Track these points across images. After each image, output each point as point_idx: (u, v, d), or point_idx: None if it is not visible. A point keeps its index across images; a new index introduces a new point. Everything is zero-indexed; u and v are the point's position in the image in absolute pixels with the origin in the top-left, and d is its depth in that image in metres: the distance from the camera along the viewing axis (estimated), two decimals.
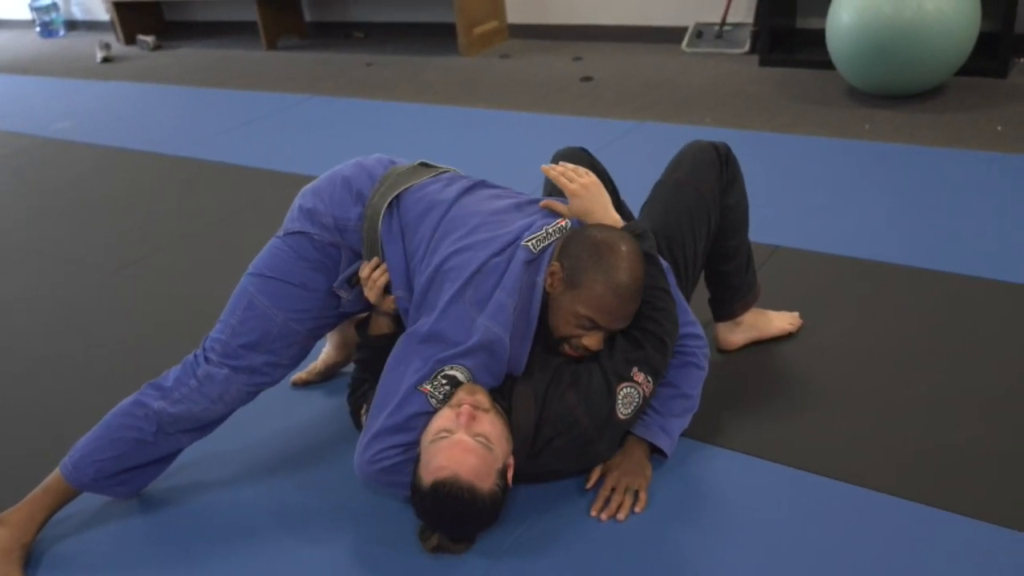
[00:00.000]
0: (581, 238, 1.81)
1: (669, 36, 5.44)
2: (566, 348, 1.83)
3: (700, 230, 2.09)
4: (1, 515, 1.88)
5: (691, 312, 1.95)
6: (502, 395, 1.77)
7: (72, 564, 1.87)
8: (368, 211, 1.91)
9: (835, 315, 2.42)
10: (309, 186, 2.01)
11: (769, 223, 2.87)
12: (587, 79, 4.94)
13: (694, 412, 1.93)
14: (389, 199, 1.91)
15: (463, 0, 5.66)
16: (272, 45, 6.62)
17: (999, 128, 3.59)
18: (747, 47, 5.08)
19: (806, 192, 3.20)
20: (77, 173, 4.39)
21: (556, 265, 1.79)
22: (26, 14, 8.41)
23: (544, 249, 1.82)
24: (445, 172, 2.04)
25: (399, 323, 1.96)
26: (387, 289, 1.92)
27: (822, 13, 4.17)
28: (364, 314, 2.04)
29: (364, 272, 1.91)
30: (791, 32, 4.98)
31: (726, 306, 2.27)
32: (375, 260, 1.91)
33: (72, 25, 8.44)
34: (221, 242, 3.36)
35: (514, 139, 4.14)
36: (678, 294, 1.92)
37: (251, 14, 6.64)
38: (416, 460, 1.68)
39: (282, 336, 1.92)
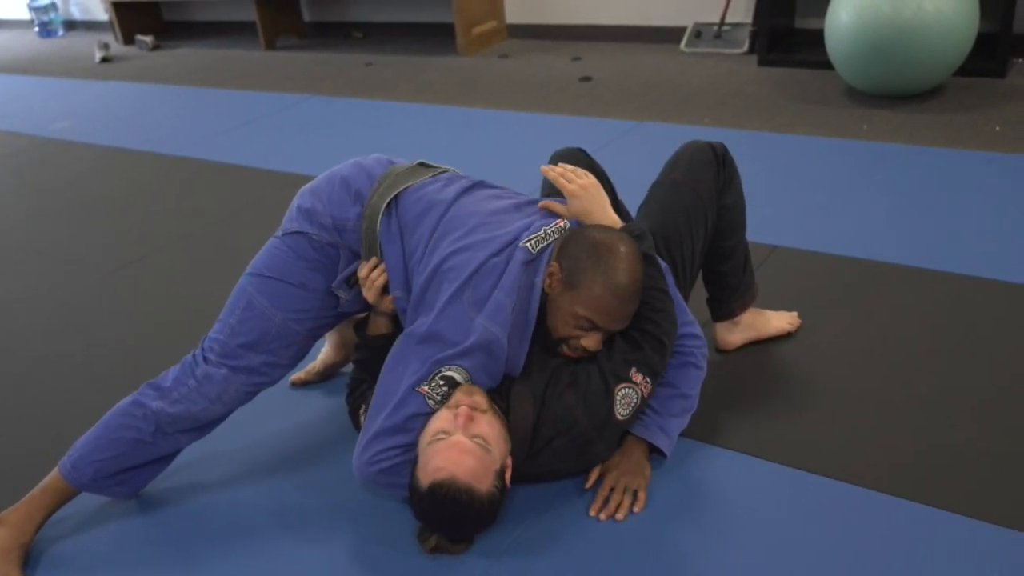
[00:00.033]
0: (580, 239, 1.81)
1: (668, 36, 5.44)
2: (564, 349, 1.83)
3: (697, 230, 2.09)
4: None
5: (689, 312, 1.95)
6: (500, 395, 1.77)
7: (71, 564, 1.87)
8: (367, 211, 1.91)
9: (833, 315, 2.42)
10: (308, 186, 2.01)
11: (768, 223, 2.88)
12: (586, 79, 4.94)
13: (693, 412, 1.93)
14: (388, 199, 1.91)
15: (462, 0, 5.66)
16: (271, 45, 6.62)
17: (997, 128, 3.59)
18: (746, 47, 5.08)
19: (805, 192, 3.20)
20: (76, 173, 4.39)
21: (555, 266, 1.79)
22: (25, 14, 8.41)
23: (543, 250, 1.82)
24: (444, 172, 2.04)
25: (397, 323, 1.96)
26: (385, 289, 1.92)
27: (821, 13, 4.18)
28: (363, 314, 2.04)
29: (362, 272, 1.91)
30: (790, 32, 4.98)
31: (724, 306, 2.27)
32: (373, 260, 1.91)
33: (71, 25, 8.44)
34: (220, 242, 3.36)
35: (513, 139, 4.14)
36: (676, 295, 1.92)
37: (250, 14, 6.64)
38: (414, 462, 1.68)
39: (281, 336, 1.92)
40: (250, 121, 4.89)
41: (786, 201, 3.13)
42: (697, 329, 1.94)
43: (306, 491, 2.00)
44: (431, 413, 1.71)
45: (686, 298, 2.08)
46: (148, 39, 7.12)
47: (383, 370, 1.79)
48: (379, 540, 1.82)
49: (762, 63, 4.80)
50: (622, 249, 1.77)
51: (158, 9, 7.69)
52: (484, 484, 1.63)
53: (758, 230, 2.64)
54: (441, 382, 1.71)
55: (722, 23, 5.19)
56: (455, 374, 1.72)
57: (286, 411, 2.27)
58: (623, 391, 1.76)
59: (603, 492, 1.84)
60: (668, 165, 2.18)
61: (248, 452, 2.14)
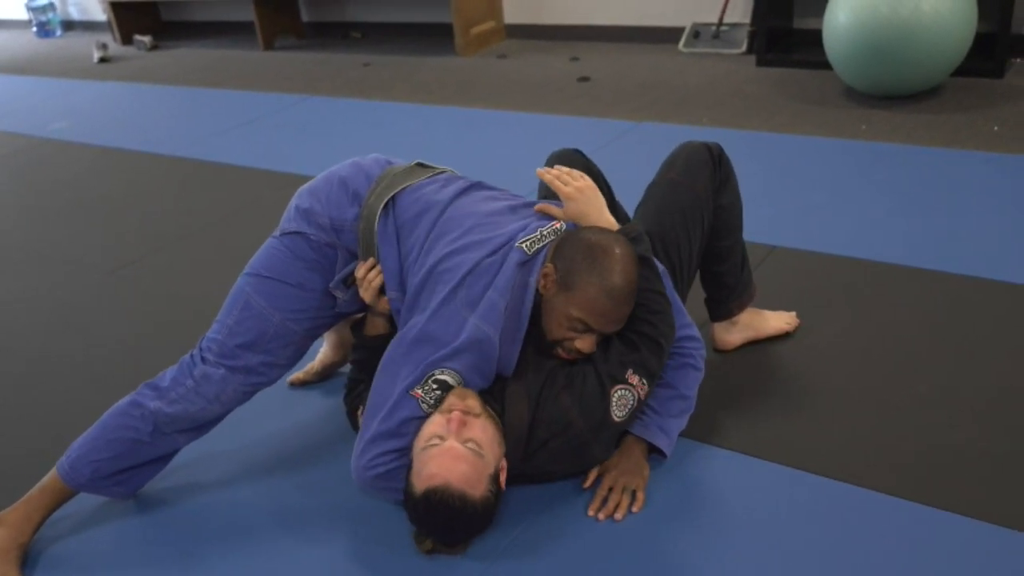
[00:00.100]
0: (575, 240, 1.81)
1: (666, 36, 5.44)
2: (559, 351, 1.82)
3: (694, 231, 2.09)
4: None
5: (687, 315, 1.95)
6: (494, 397, 1.77)
7: (69, 564, 1.87)
8: (364, 211, 1.91)
9: (832, 315, 2.42)
10: (306, 186, 2.01)
11: (766, 223, 2.88)
12: (584, 79, 4.94)
13: (691, 413, 1.94)
14: (385, 200, 1.91)
15: (460, 0, 5.66)
16: (269, 45, 6.62)
17: (996, 128, 3.59)
18: (744, 47, 5.08)
19: (803, 192, 3.20)
20: (74, 173, 4.38)
21: (550, 267, 1.79)
22: (23, 14, 8.40)
23: (538, 251, 1.81)
24: (442, 173, 2.04)
25: (395, 324, 1.96)
26: (382, 290, 1.92)
27: (819, 13, 4.18)
28: (360, 314, 2.04)
29: (360, 272, 1.91)
30: (788, 32, 4.98)
31: (722, 306, 2.27)
32: (371, 261, 1.91)
33: (69, 25, 8.43)
34: (218, 242, 3.36)
35: (511, 139, 4.14)
36: (675, 297, 1.92)
37: (248, 14, 6.63)
38: (408, 467, 1.68)
39: (279, 336, 1.92)
40: (248, 121, 4.89)
41: (784, 201, 3.13)
42: (695, 331, 1.94)
43: (304, 491, 1.99)
44: (425, 417, 1.71)
45: (684, 298, 2.08)
46: (146, 39, 7.11)
47: (377, 372, 1.80)
48: (377, 540, 1.82)
49: (760, 63, 4.80)
50: (617, 251, 1.77)
51: (156, 9, 7.68)
52: (478, 489, 1.63)
53: (756, 230, 2.64)
54: (434, 385, 1.71)
55: (720, 23, 5.19)
56: (448, 377, 1.72)
57: (284, 411, 2.27)
58: (619, 393, 1.76)
59: (602, 492, 1.84)
60: (664, 165, 2.18)
61: (246, 452, 2.14)
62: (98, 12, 7.90)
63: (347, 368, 2.20)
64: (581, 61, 5.33)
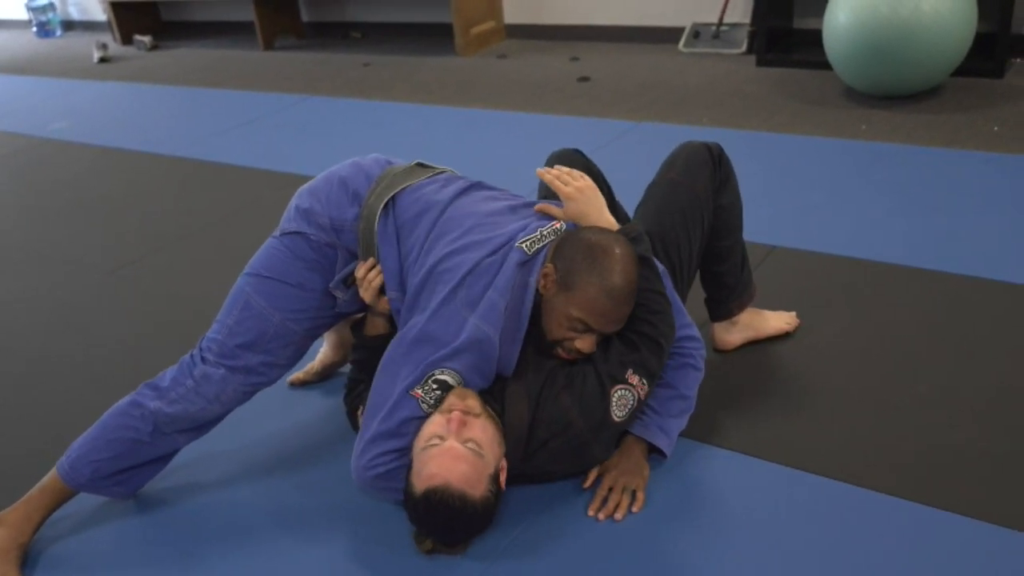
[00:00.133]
0: (575, 240, 1.81)
1: (666, 36, 5.44)
2: (559, 351, 1.82)
3: (694, 231, 2.09)
4: None
5: (688, 315, 1.95)
6: (494, 397, 1.77)
7: (69, 564, 1.87)
8: (364, 211, 1.91)
9: (832, 315, 2.42)
10: (306, 186, 2.01)
11: (766, 223, 2.88)
12: (584, 79, 4.94)
13: (691, 413, 1.94)
14: (385, 200, 1.91)
15: (460, 0, 5.66)
16: (269, 45, 6.62)
17: (996, 128, 3.59)
18: (744, 47, 5.08)
19: (803, 192, 3.20)
20: (74, 173, 4.38)
21: (550, 267, 1.79)
22: (23, 14, 8.40)
23: (538, 251, 1.81)
24: (442, 173, 2.04)
25: (395, 324, 1.96)
26: (382, 290, 1.92)
27: (819, 13, 4.18)
28: (360, 314, 2.04)
29: (360, 272, 1.91)
30: (788, 32, 4.98)
31: (722, 306, 2.27)
32: (371, 261, 1.91)
33: (69, 25, 8.43)
34: (218, 242, 3.36)
35: (511, 139, 4.14)
36: (675, 297, 1.92)
37: (248, 14, 6.63)
38: (409, 467, 1.68)
39: (279, 336, 1.92)
40: (248, 121, 4.89)
41: (784, 201, 3.13)
42: (695, 332, 1.94)
43: (304, 491, 2.00)
44: (425, 417, 1.71)
45: (684, 298, 2.08)
46: (146, 39, 7.11)
47: (377, 372, 1.80)
48: (377, 540, 1.82)
49: (760, 63, 4.80)
50: (617, 251, 1.77)
51: (156, 9, 7.68)
52: (478, 489, 1.63)
53: (756, 230, 2.64)
54: (434, 385, 1.71)
55: (720, 23, 5.19)
56: (447, 377, 1.72)
57: (284, 411, 2.27)
58: (619, 393, 1.76)
59: (602, 492, 1.84)
60: (664, 165, 2.18)
61: (246, 452, 2.14)
62: (98, 12, 7.90)
63: (347, 368, 2.20)
64: (581, 61, 5.33)
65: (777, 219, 2.97)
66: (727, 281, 2.24)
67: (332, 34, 6.80)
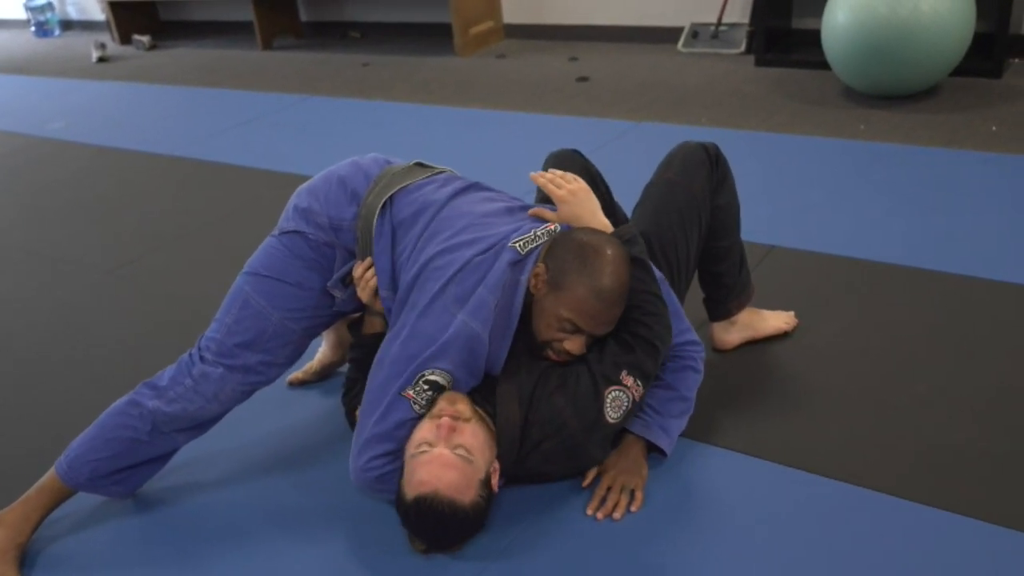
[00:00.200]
0: (567, 241, 1.80)
1: (665, 36, 5.44)
2: (549, 353, 1.81)
3: (691, 231, 2.09)
4: None
5: (687, 320, 1.95)
6: (485, 397, 1.77)
7: (67, 564, 1.87)
8: (362, 211, 1.91)
9: (830, 314, 2.42)
10: (304, 185, 2.01)
11: (765, 223, 2.88)
12: (583, 79, 4.94)
13: (690, 414, 1.94)
14: (384, 199, 1.91)
15: (459, 0, 5.66)
16: (268, 45, 6.61)
17: (994, 128, 3.60)
18: (743, 47, 5.08)
19: (802, 192, 3.20)
20: (72, 173, 4.38)
21: (541, 267, 1.78)
22: (21, 14, 8.39)
23: (531, 251, 1.81)
24: (441, 172, 2.03)
25: None
26: None
27: (818, 13, 4.18)
28: (358, 314, 2.04)
29: (357, 272, 1.92)
30: (787, 32, 4.98)
31: (721, 306, 2.27)
32: (368, 260, 1.91)
33: (67, 25, 8.43)
34: (217, 242, 3.36)
35: (510, 139, 4.14)
36: (674, 301, 1.92)
37: (247, 14, 6.63)
38: (400, 471, 1.69)
39: (277, 335, 1.92)
40: (247, 121, 4.88)
41: (783, 201, 3.13)
42: (695, 335, 1.95)
43: (303, 490, 1.99)
44: (417, 418, 1.72)
45: (682, 298, 2.09)
46: (145, 39, 7.11)
47: (371, 372, 1.80)
48: (376, 540, 1.81)
49: (759, 63, 4.80)
50: (609, 252, 1.76)
51: (155, 9, 7.68)
52: (467, 495, 1.64)
53: (755, 230, 2.64)
54: (425, 386, 1.72)
55: (719, 23, 5.19)
56: (438, 377, 1.72)
57: (283, 411, 2.27)
58: (613, 394, 1.76)
59: (600, 491, 1.84)
60: (661, 166, 2.18)
61: (245, 451, 2.14)
62: (96, 12, 7.90)
63: (346, 368, 2.19)
64: (580, 61, 5.33)
65: (776, 219, 2.97)
66: (725, 281, 2.24)
67: (331, 34, 6.80)
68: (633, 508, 1.81)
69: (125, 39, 7.32)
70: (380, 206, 1.90)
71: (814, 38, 4.28)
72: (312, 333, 2.01)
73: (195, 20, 7.63)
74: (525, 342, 1.81)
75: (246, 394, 1.96)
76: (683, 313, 1.96)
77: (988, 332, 2.28)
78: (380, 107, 4.88)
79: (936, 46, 3.73)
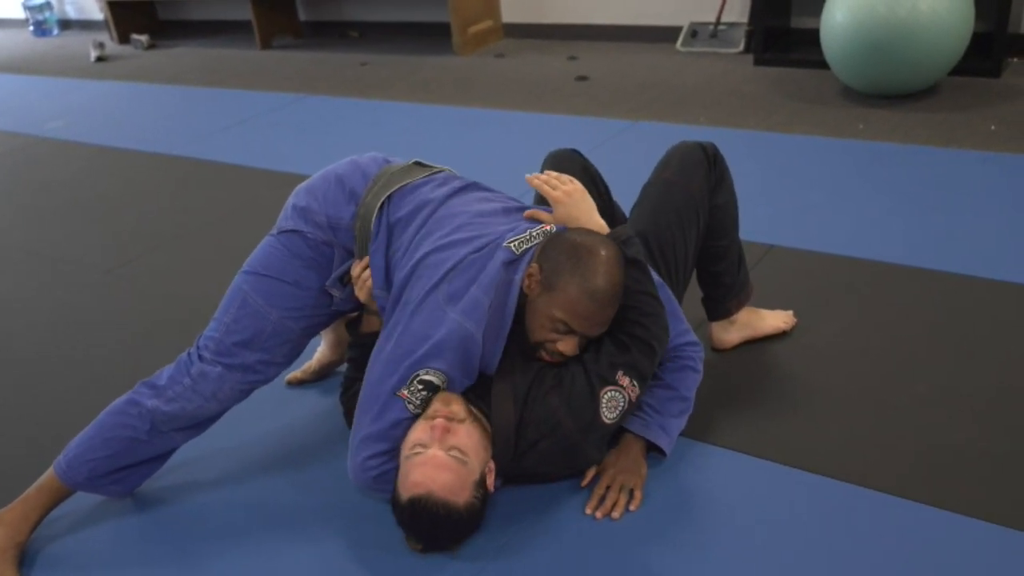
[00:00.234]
0: (561, 241, 1.80)
1: (664, 35, 5.44)
2: (542, 354, 1.81)
3: (689, 230, 2.08)
4: None
5: (685, 321, 1.95)
6: (480, 397, 1.77)
7: (66, 563, 1.87)
8: (361, 210, 1.91)
9: (829, 314, 2.42)
10: (303, 184, 2.01)
11: (764, 222, 2.88)
12: (582, 78, 4.94)
13: (690, 414, 1.94)
14: (382, 199, 1.91)
15: None
16: (266, 44, 6.61)
17: (993, 127, 3.60)
18: (742, 46, 5.08)
19: (801, 191, 3.20)
20: (71, 172, 4.38)
21: (535, 267, 1.77)
22: (19, 13, 8.39)
23: (526, 251, 1.81)
24: (439, 172, 2.03)
25: None
26: None
27: (816, 13, 4.18)
28: (356, 313, 2.04)
29: (355, 271, 1.92)
30: (786, 31, 4.98)
31: (720, 305, 2.27)
32: (366, 259, 1.91)
33: (66, 24, 8.42)
34: (215, 241, 3.36)
35: (509, 138, 4.14)
36: (672, 302, 1.92)
37: (245, 13, 6.63)
38: (396, 472, 1.70)
39: (276, 334, 1.92)
40: (245, 120, 4.88)
41: (782, 200, 3.13)
42: (693, 336, 1.94)
43: (301, 490, 1.99)
44: (412, 417, 1.72)
45: (680, 298, 2.09)
46: (143, 38, 7.11)
47: (366, 372, 1.80)
48: (374, 539, 1.81)
49: (758, 62, 4.80)
50: (602, 252, 1.76)
51: (153, 8, 7.67)
52: (462, 497, 1.64)
53: (754, 229, 2.64)
54: (419, 386, 1.72)
55: (718, 22, 5.20)
56: (432, 377, 1.72)
57: (282, 410, 2.27)
58: (609, 394, 1.75)
59: (599, 490, 1.84)
60: (659, 165, 2.18)
61: (243, 451, 2.14)
62: (95, 11, 7.89)
63: (344, 367, 2.19)
64: (579, 60, 5.33)
65: (775, 218, 2.97)
66: (724, 280, 2.24)
67: (329, 33, 6.80)
68: (632, 507, 1.81)
69: (124, 38, 7.32)
70: (378, 206, 1.90)
71: (813, 37, 4.28)
72: (311, 332, 2.01)
73: (194, 19, 7.62)
74: (519, 342, 1.81)
75: (245, 393, 1.96)
76: (681, 314, 1.95)
77: (988, 331, 2.28)
78: (379, 106, 4.88)
79: (935, 45, 3.73)
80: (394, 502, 1.68)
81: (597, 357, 1.79)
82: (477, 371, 1.78)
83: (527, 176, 1.97)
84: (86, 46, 7.11)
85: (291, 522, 1.90)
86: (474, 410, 1.75)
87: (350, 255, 1.94)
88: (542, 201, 2.07)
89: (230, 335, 1.90)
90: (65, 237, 3.57)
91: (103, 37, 7.46)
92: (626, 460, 1.87)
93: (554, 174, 1.96)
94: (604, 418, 1.75)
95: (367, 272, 1.90)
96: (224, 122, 4.89)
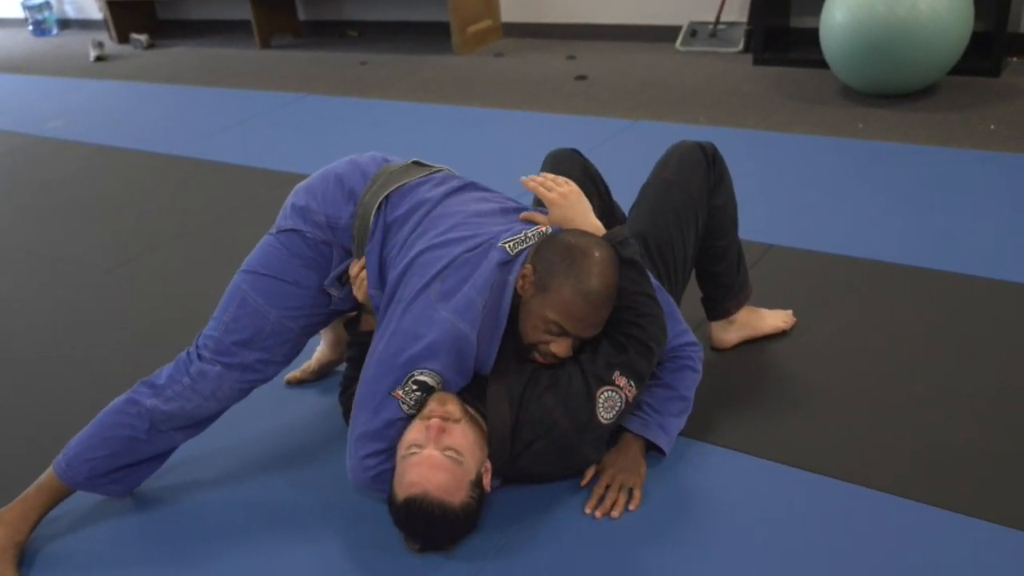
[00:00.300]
0: (555, 242, 1.79)
1: (663, 35, 5.44)
2: (535, 355, 1.80)
3: (688, 231, 2.08)
4: None
5: (683, 322, 1.95)
6: (477, 397, 1.77)
7: (66, 563, 1.87)
8: (359, 209, 1.91)
9: (829, 313, 2.42)
10: (302, 184, 2.01)
11: (763, 222, 2.88)
12: (581, 78, 4.94)
13: (689, 413, 1.94)
14: (380, 198, 1.91)
15: None
16: (266, 44, 6.61)
17: (992, 127, 3.60)
18: (741, 46, 5.08)
19: (800, 191, 3.20)
20: (70, 172, 4.38)
21: (528, 267, 1.77)
22: (19, 12, 8.39)
23: (520, 252, 1.80)
24: (438, 171, 2.03)
25: None
26: None
27: (816, 12, 4.18)
28: (355, 312, 2.04)
29: (353, 270, 1.92)
30: (785, 31, 4.99)
31: (719, 305, 2.27)
32: (364, 259, 1.91)
33: (65, 24, 8.42)
34: (215, 241, 3.36)
35: (508, 138, 4.14)
36: (670, 303, 1.92)
37: (245, 13, 6.63)
38: (392, 471, 1.70)
39: (275, 333, 1.92)
40: (245, 120, 4.88)
41: (781, 200, 3.13)
42: (692, 337, 1.94)
43: (300, 489, 1.99)
44: (406, 418, 1.72)
45: (679, 298, 2.09)
46: (143, 38, 7.11)
47: (363, 370, 1.81)
48: (372, 539, 1.81)
49: (757, 62, 4.80)
50: (596, 254, 1.75)
51: (153, 8, 7.67)
52: (457, 497, 1.64)
53: (753, 228, 2.65)
54: (414, 386, 1.72)
55: (717, 22, 5.20)
56: (427, 378, 1.72)
57: (281, 410, 2.27)
58: (606, 394, 1.75)
59: (599, 490, 1.84)
60: (658, 165, 2.18)
61: (243, 450, 2.14)
62: (94, 10, 7.89)
63: (344, 366, 2.19)
64: (578, 60, 5.33)
65: (774, 218, 2.97)
66: (723, 280, 2.24)
67: (329, 33, 6.80)
68: (631, 507, 1.81)
69: (123, 38, 7.32)
70: (376, 205, 1.90)
71: (812, 37, 4.28)
72: (310, 331, 2.01)
73: (193, 19, 7.63)
74: (514, 343, 1.81)
75: (244, 392, 1.96)
76: (680, 315, 1.95)
77: (987, 331, 2.28)
78: (378, 106, 4.88)
79: (934, 45, 3.73)
80: (390, 502, 1.68)
81: (594, 357, 1.79)
82: (472, 372, 1.78)
83: (522, 179, 1.97)
84: (85, 46, 7.11)
85: (290, 522, 1.90)
86: (470, 410, 1.75)
87: (348, 254, 1.94)
88: (541, 203, 2.07)
89: (229, 334, 1.90)
90: (65, 237, 3.57)
91: (102, 37, 7.46)
92: (625, 459, 1.87)
93: (549, 176, 1.96)
94: (601, 418, 1.75)
95: (365, 272, 1.90)
96: (223, 122, 4.89)
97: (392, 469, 1.71)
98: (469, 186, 2.00)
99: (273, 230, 1.98)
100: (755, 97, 4.29)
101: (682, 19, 5.36)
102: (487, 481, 1.72)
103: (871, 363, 2.20)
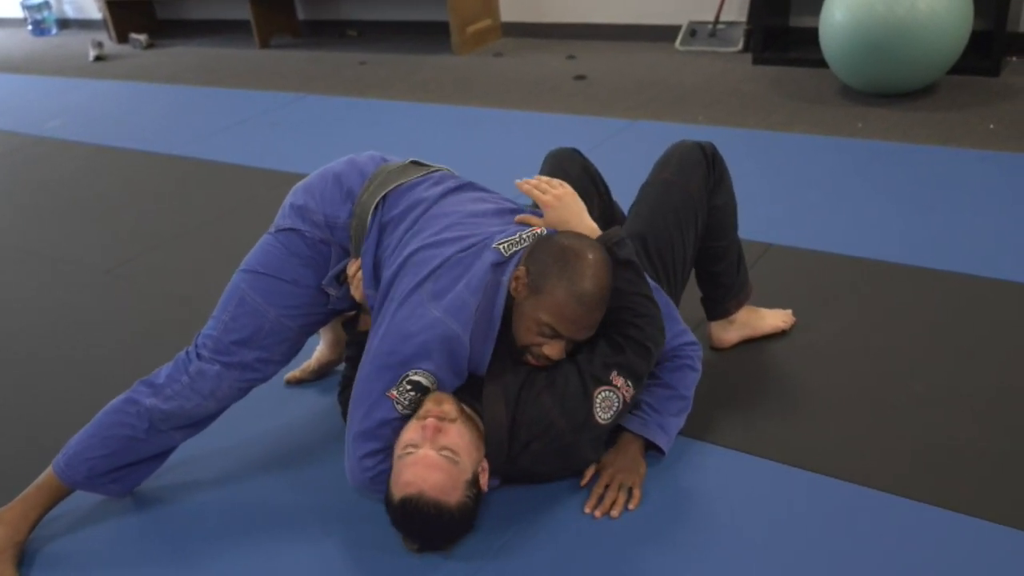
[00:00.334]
0: (549, 244, 1.79)
1: (663, 35, 5.44)
2: (528, 358, 1.80)
3: (688, 231, 2.08)
4: None
5: (682, 322, 1.95)
6: (474, 396, 1.77)
7: (65, 562, 1.87)
8: (357, 209, 1.91)
9: (828, 313, 2.42)
10: (301, 183, 2.01)
11: (762, 221, 2.88)
12: (580, 78, 4.94)
13: (688, 413, 1.94)
14: (378, 198, 1.91)
15: None
16: (265, 44, 6.61)
17: (991, 126, 3.60)
18: (740, 46, 5.08)
19: (799, 190, 3.20)
20: (70, 172, 4.38)
21: (522, 269, 1.76)
22: (18, 12, 8.39)
23: (515, 254, 1.80)
24: (436, 171, 2.03)
25: None
26: None
27: (815, 12, 4.18)
28: (354, 311, 2.04)
29: (351, 270, 1.92)
30: (784, 30, 4.99)
31: (719, 305, 2.27)
32: (360, 258, 1.91)
33: (64, 23, 8.42)
34: (214, 240, 3.36)
35: (507, 137, 4.14)
36: (668, 304, 1.91)
37: (244, 12, 6.63)
38: (389, 472, 1.70)
39: (274, 332, 1.92)
40: (244, 120, 4.88)
41: (781, 199, 3.13)
42: (691, 336, 1.94)
43: (299, 489, 1.99)
44: (400, 418, 1.72)
45: (679, 297, 2.08)
46: (142, 37, 7.11)
47: (358, 370, 1.81)
48: (371, 539, 1.81)
49: (757, 61, 4.80)
50: (590, 256, 1.74)
51: (152, 7, 7.67)
52: (453, 496, 1.64)
53: (753, 228, 2.65)
54: (408, 387, 1.72)
55: (717, 21, 5.20)
56: (421, 378, 1.72)
57: (280, 409, 2.27)
58: (603, 394, 1.75)
59: (598, 489, 1.84)
60: (658, 165, 2.17)
61: (242, 450, 2.14)
62: (94, 10, 7.89)
63: (343, 366, 2.19)
64: (577, 59, 5.33)
65: (773, 217, 2.97)
66: (723, 280, 2.23)
67: (328, 32, 6.80)
68: (631, 506, 1.81)
69: (122, 38, 7.32)
70: (374, 205, 1.90)
71: (812, 36, 4.28)
72: (308, 331, 2.01)
73: (192, 19, 7.62)
74: (508, 344, 1.81)
75: (243, 391, 1.96)
76: (678, 316, 1.95)
77: (987, 330, 2.28)
78: (377, 105, 4.87)
79: (933, 44, 3.73)
80: (387, 502, 1.68)
81: (591, 357, 1.78)
82: (466, 372, 1.78)
83: (517, 182, 1.96)
84: (85, 45, 7.11)
85: (290, 522, 1.90)
86: (467, 409, 1.75)
87: (347, 254, 1.94)
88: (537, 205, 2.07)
89: (228, 333, 1.90)
90: (65, 237, 3.57)
91: (102, 36, 7.46)
92: (625, 459, 1.87)
93: (544, 178, 1.96)
94: (598, 418, 1.75)
95: (362, 272, 1.90)
96: (222, 121, 4.89)
97: (387, 471, 1.72)
98: (467, 186, 2.00)
99: (272, 229, 1.98)
100: (754, 97, 4.29)
101: (681, 19, 5.36)
102: (484, 481, 1.72)
103: (871, 363, 2.20)
